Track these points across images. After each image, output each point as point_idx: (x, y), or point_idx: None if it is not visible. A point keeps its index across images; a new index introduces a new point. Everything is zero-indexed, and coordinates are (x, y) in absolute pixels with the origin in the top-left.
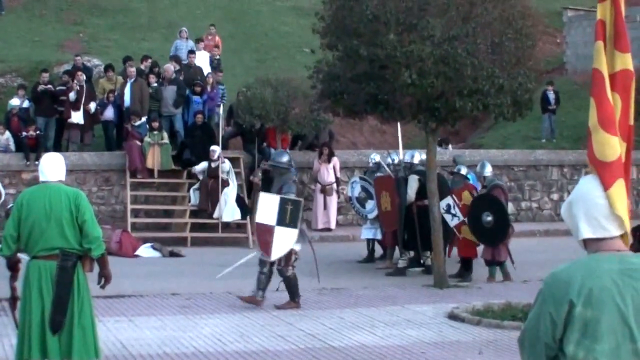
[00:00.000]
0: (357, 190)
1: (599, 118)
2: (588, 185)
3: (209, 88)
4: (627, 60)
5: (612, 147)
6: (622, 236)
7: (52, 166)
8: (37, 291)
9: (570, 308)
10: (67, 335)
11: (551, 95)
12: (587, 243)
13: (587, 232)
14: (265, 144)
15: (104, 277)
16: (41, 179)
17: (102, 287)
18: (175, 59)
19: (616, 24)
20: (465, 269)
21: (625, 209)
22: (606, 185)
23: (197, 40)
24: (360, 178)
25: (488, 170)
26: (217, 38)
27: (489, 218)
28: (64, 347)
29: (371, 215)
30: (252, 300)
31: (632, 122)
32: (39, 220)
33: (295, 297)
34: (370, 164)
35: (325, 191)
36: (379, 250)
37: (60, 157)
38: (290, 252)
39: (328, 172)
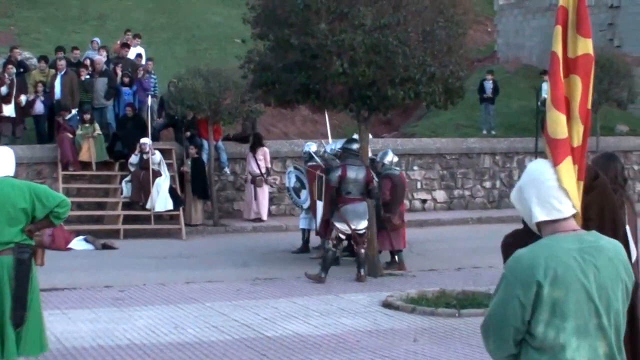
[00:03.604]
0: (292, 180)
1: (552, 97)
2: (538, 168)
3: (140, 74)
4: (588, 45)
5: (562, 125)
6: (574, 216)
7: (2, 160)
8: None
9: (538, 289)
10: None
11: (488, 85)
12: (542, 226)
13: (541, 215)
14: (188, 134)
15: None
16: None
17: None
18: (105, 49)
19: (579, 10)
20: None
21: (573, 185)
22: (556, 161)
23: (123, 45)
24: (295, 168)
25: (387, 159)
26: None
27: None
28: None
29: (305, 205)
30: (316, 278)
31: (589, 106)
32: None
33: (321, 270)
34: (303, 154)
35: (255, 182)
36: (316, 241)
37: (9, 151)
38: (332, 229)
39: (257, 163)
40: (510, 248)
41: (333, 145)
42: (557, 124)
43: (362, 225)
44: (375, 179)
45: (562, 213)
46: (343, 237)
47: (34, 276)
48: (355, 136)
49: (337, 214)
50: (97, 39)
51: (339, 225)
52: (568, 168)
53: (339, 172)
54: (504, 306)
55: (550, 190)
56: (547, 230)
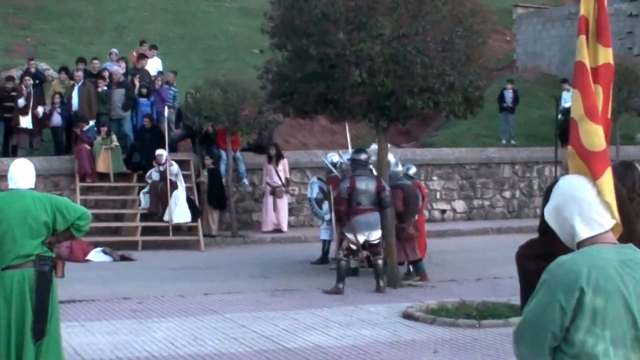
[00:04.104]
0: (315, 191)
1: (585, 108)
2: (575, 185)
3: (157, 87)
4: (609, 55)
5: (600, 136)
6: (614, 226)
7: (23, 173)
8: (17, 303)
9: (581, 295)
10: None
11: (509, 94)
12: (582, 241)
13: (585, 232)
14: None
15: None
16: (11, 186)
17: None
18: (123, 59)
19: (599, 19)
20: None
21: (613, 197)
22: (596, 175)
23: (140, 56)
24: (318, 179)
25: (398, 169)
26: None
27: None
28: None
29: (327, 217)
30: (334, 290)
31: (609, 115)
32: (12, 228)
33: (337, 281)
34: (324, 165)
35: (275, 193)
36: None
37: (30, 164)
38: (342, 238)
39: (277, 174)
40: (525, 259)
41: (345, 156)
42: (593, 135)
43: (374, 235)
44: (387, 188)
45: (604, 227)
46: (354, 247)
47: (55, 288)
48: (374, 146)
49: (348, 224)
50: (115, 50)
51: (349, 236)
52: (609, 180)
53: (347, 184)
54: (543, 311)
55: (592, 205)
56: (586, 243)
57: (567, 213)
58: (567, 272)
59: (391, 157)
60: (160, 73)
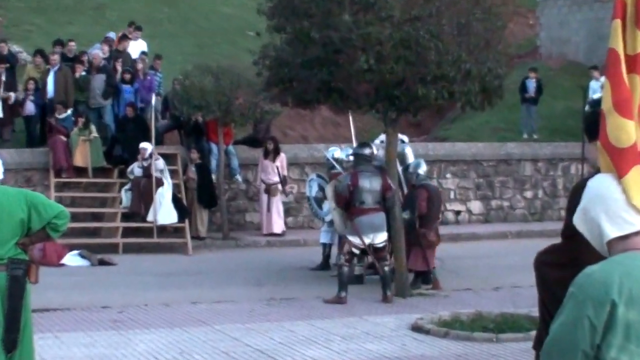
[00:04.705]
0: (314, 189)
1: (614, 101)
2: (601, 182)
3: (140, 75)
4: None
5: (627, 132)
6: None
7: None
8: None
9: (612, 309)
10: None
11: (531, 84)
12: (613, 245)
13: (613, 232)
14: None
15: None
16: None
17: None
18: (107, 42)
19: (639, 3)
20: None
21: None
22: (621, 173)
23: (122, 38)
24: (318, 175)
25: (422, 170)
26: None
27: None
28: None
29: (328, 218)
30: (335, 300)
31: None
32: None
33: (339, 290)
34: (325, 160)
35: (269, 191)
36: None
37: None
38: (343, 242)
39: (273, 170)
40: (545, 266)
41: (346, 150)
42: (621, 130)
43: (379, 238)
44: (393, 186)
45: (635, 226)
46: (358, 251)
47: (28, 295)
48: (382, 137)
49: (351, 226)
50: (112, 34)
51: (351, 238)
52: (637, 179)
53: (348, 181)
54: (571, 327)
55: (618, 203)
56: (617, 248)
57: (593, 213)
58: (596, 284)
59: (409, 154)
60: (143, 53)
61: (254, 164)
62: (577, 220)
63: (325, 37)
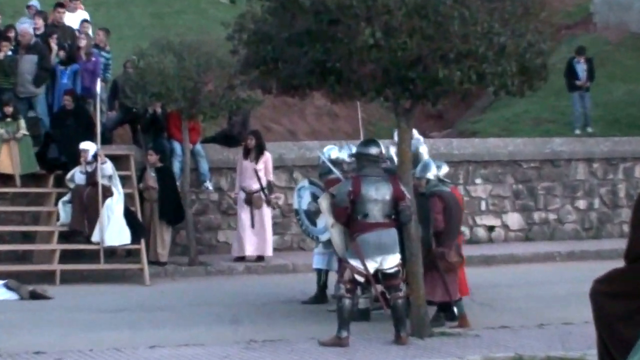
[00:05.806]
0: (305, 200)
1: None
2: None
3: (82, 55)
4: None
5: None
6: None
7: None
8: None
9: None
10: None
11: (580, 67)
12: None
13: None
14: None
15: None
16: None
17: None
18: (41, 15)
19: None
20: (443, 311)
21: None
22: None
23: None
24: (310, 182)
25: (431, 174)
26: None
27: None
28: None
29: (324, 237)
30: (334, 341)
31: None
32: None
33: (339, 329)
34: (320, 163)
35: (252, 202)
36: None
37: None
38: (344, 267)
39: (257, 175)
40: (605, 297)
41: (347, 149)
42: None
43: (389, 262)
44: (408, 195)
45: None
46: (361, 279)
47: None
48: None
49: (352, 246)
50: (34, 2)
51: (353, 262)
52: None
53: (348, 188)
54: None
55: None
56: None
57: None
58: None
59: (424, 154)
60: (85, 21)
61: (228, 168)
62: None
63: (318, 3)
